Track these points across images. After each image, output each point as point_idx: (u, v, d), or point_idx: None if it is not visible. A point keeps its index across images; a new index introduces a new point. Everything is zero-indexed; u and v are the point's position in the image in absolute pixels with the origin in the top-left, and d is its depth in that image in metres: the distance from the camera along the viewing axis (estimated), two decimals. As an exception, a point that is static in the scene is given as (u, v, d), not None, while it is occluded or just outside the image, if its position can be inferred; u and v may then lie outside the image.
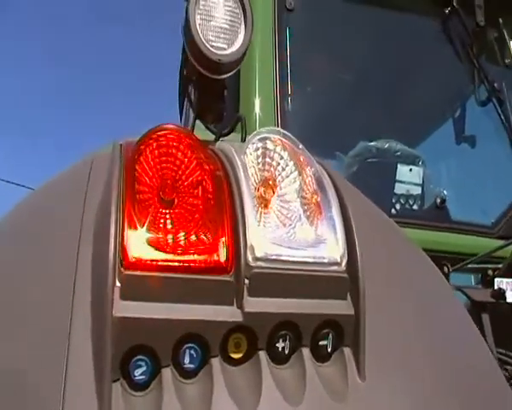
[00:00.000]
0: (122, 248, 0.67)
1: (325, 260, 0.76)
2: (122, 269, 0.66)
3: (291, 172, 0.82)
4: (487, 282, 1.76)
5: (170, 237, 0.70)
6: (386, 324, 0.80)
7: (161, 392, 0.66)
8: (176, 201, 0.72)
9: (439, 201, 2.06)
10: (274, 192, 0.80)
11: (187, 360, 0.68)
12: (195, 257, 0.69)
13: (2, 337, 0.73)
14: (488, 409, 0.83)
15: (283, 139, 0.85)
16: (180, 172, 0.75)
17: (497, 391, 0.89)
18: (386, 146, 2.14)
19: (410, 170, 2.12)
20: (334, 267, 0.76)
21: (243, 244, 0.71)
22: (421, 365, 0.79)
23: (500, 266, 1.77)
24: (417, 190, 2.11)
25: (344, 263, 0.76)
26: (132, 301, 0.65)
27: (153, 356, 0.66)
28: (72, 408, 0.63)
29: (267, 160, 0.82)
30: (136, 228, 0.69)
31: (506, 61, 2.42)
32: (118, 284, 0.66)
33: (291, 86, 1.93)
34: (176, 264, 0.68)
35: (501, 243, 1.92)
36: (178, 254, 0.69)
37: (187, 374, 0.68)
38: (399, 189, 2.04)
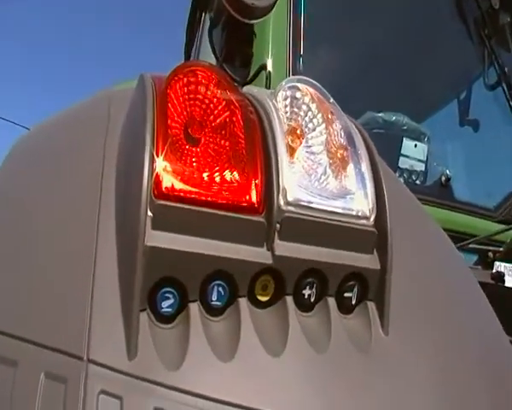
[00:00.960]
0: (154, 178, 0.65)
1: (353, 213, 0.75)
2: (154, 199, 0.64)
3: (318, 125, 0.81)
4: (487, 264, 1.76)
5: (199, 174, 0.68)
6: (411, 281, 0.80)
7: (188, 326, 0.64)
8: (203, 140, 0.71)
9: (444, 179, 2.05)
10: (301, 143, 0.79)
11: (214, 296, 0.67)
12: (227, 194, 0.68)
13: (25, 259, 0.71)
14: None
15: (313, 90, 0.83)
16: (209, 111, 0.73)
17: None
18: (393, 119, 2.11)
19: (415, 145, 2.09)
20: (363, 221, 0.75)
21: (276, 187, 0.69)
22: (443, 326, 0.79)
23: (501, 249, 1.77)
24: (421, 167, 2.08)
25: (372, 218, 0.76)
26: (164, 232, 0.64)
27: (180, 290, 0.65)
28: (99, 334, 0.62)
29: (295, 109, 0.81)
30: (166, 161, 0.67)
31: None
32: (150, 213, 0.64)
33: (304, 47, 1.90)
34: (209, 199, 0.66)
35: (502, 226, 1.92)
36: (211, 191, 0.67)
37: (213, 311, 0.67)
38: (403, 163, 2.02)
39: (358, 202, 0.76)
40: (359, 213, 0.75)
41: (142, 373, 0.60)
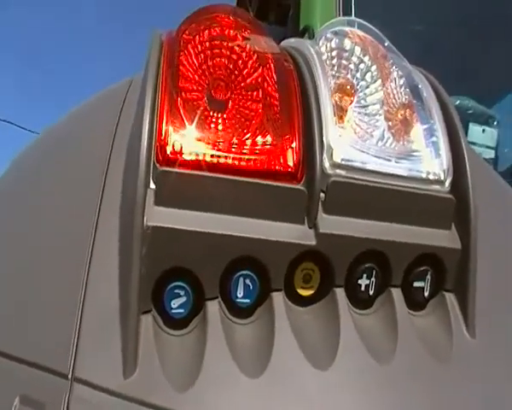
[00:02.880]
0: (158, 141, 0.50)
1: (423, 176, 0.57)
2: (157, 165, 0.49)
3: (372, 80, 0.63)
4: None
5: (220, 138, 0.52)
6: (502, 266, 0.61)
7: (204, 333, 0.49)
8: (230, 103, 0.54)
9: None
10: (351, 102, 0.61)
11: (240, 292, 0.51)
12: (256, 158, 0.52)
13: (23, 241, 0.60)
14: None
15: (364, 34, 0.65)
16: (237, 69, 0.56)
17: None
18: (457, 102, 1.90)
19: (483, 131, 1.89)
20: (436, 186, 0.58)
21: (319, 145, 0.52)
22: None
23: None
24: (490, 154, 1.87)
25: (448, 181, 0.58)
26: (171, 209, 0.49)
27: (195, 284, 0.50)
28: (89, 345, 0.47)
29: (343, 61, 0.63)
30: (178, 126, 0.51)
31: None
32: (152, 184, 0.49)
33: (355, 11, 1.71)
34: (229, 161, 0.50)
35: None
36: (232, 153, 0.51)
37: (239, 311, 0.51)
38: None
39: (428, 163, 0.58)
40: (430, 176, 0.57)
41: (141, 395, 0.45)
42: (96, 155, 0.61)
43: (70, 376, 0.46)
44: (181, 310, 0.49)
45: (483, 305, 0.57)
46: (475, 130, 1.87)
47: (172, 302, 0.49)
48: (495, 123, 1.91)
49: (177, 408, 0.45)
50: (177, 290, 0.49)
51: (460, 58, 2.06)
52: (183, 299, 0.49)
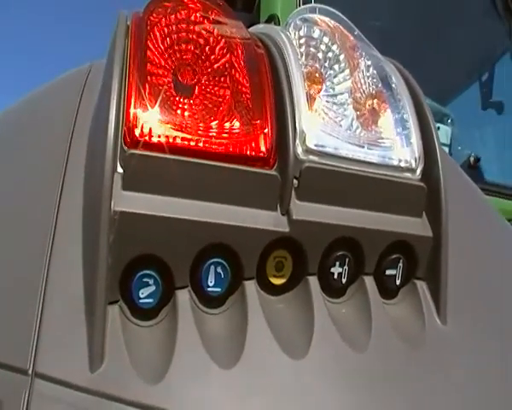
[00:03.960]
0: (126, 123, 0.48)
1: (394, 163, 0.56)
2: (126, 148, 0.46)
3: (341, 70, 0.62)
4: None
5: (191, 122, 0.50)
6: (472, 254, 0.62)
7: (175, 323, 0.47)
8: (197, 88, 0.52)
9: (472, 160, 1.87)
10: (319, 90, 0.60)
11: (211, 280, 0.49)
12: (228, 142, 0.50)
13: None
14: None
15: (333, 23, 0.65)
16: (204, 54, 0.55)
17: None
18: None
19: (438, 128, 1.92)
20: (407, 174, 0.57)
21: (291, 131, 0.51)
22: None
23: None
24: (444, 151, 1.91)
25: (420, 169, 0.57)
26: (139, 193, 0.46)
27: (164, 272, 0.48)
28: (51, 338, 0.45)
29: (311, 50, 0.62)
30: (146, 109, 0.49)
31: None
32: (119, 168, 0.46)
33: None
34: (199, 145, 0.48)
35: None
36: (201, 135, 0.49)
37: (211, 300, 0.50)
38: None
39: (399, 151, 0.58)
40: (402, 164, 0.57)
41: (109, 389, 0.43)
42: (56, 139, 0.58)
43: (30, 371, 0.43)
44: (150, 300, 0.47)
45: (454, 292, 0.57)
46: (430, 127, 1.90)
47: (141, 292, 0.47)
48: (449, 121, 1.95)
49: (147, 402, 0.43)
50: (145, 279, 0.47)
51: (415, 57, 2.09)
52: (152, 288, 0.47)
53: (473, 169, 1.90)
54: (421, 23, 2.15)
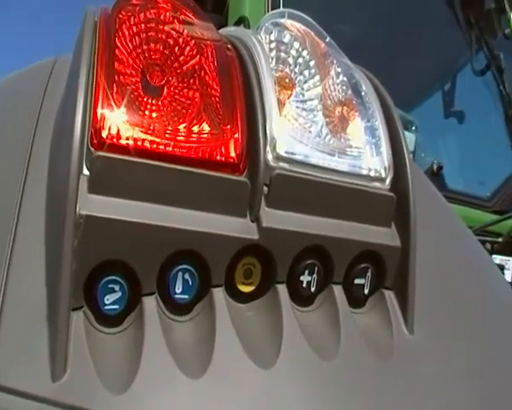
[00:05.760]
0: (93, 125, 0.46)
1: (364, 172, 0.56)
2: (92, 149, 0.45)
3: (311, 76, 0.62)
4: None
5: (159, 125, 0.49)
6: (439, 264, 0.62)
7: (141, 330, 0.46)
8: (165, 90, 0.51)
9: (435, 167, 1.90)
10: (290, 96, 0.60)
11: (179, 287, 0.48)
12: (197, 147, 0.49)
13: None
14: None
15: (304, 28, 0.65)
16: (173, 55, 0.54)
17: None
18: None
19: None
20: (377, 183, 0.57)
21: (262, 137, 0.51)
22: (479, 319, 0.61)
23: (500, 239, 1.63)
24: None
25: (389, 179, 0.57)
26: (106, 197, 0.45)
27: (131, 278, 0.46)
28: (10, 345, 0.43)
29: (282, 55, 0.62)
30: (113, 109, 0.48)
31: (506, 31, 2.31)
32: (85, 171, 0.45)
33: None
34: (168, 149, 0.48)
35: (496, 217, 1.79)
36: (169, 139, 0.48)
37: (178, 308, 0.49)
38: None
39: (369, 160, 0.58)
40: (371, 173, 0.57)
41: (72, 400, 0.41)
42: (18, 136, 0.56)
43: None
44: (115, 306, 0.46)
45: (421, 301, 0.57)
46: (394, 134, 1.93)
47: (106, 298, 0.45)
48: (413, 128, 1.98)
49: None
50: (111, 285, 0.46)
51: (381, 64, 2.12)
52: (118, 294, 0.46)
53: (436, 176, 1.93)
54: (387, 32, 2.18)
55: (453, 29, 2.27)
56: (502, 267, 1.61)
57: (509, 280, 1.60)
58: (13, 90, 0.68)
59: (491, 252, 1.65)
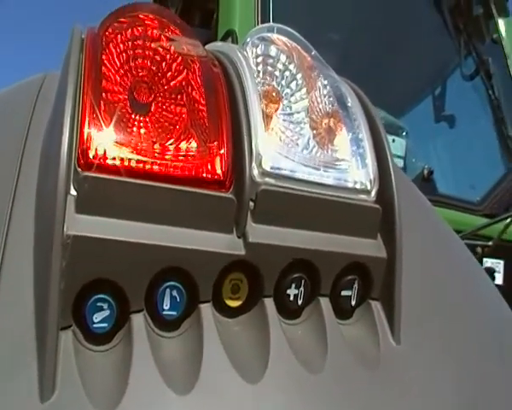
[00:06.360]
0: (80, 145, 0.47)
1: (349, 185, 0.57)
2: (79, 170, 0.46)
3: (298, 89, 0.63)
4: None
5: (146, 143, 0.50)
6: (425, 275, 0.63)
7: (130, 347, 0.46)
8: (153, 106, 0.52)
9: (426, 172, 1.92)
10: (277, 109, 0.60)
11: (167, 304, 0.48)
12: (183, 165, 0.50)
13: None
14: None
15: (291, 42, 0.65)
16: (160, 71, 0.54)
17: None
18: None
19: (393, 140, 1.97)
20: (362, 195, 0.58)
21: (248, 153, 0.51)
22: (465, 329, 0.62)
23: (490, 243, 1.65)
24: (399, 163, 1.96)
25: (374, 191, 0.58)
26: (93, 217, 0.46)
27: (119, 296, 0.47)
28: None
29: (268, 68, 0.62)
30: (101, 130, 0.48)
31: (494, 36, 2.34)
32: (73, 191, 0.46)
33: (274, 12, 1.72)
34: (154, 167, 0.48)
35: (486, 220, 1.81)
36: (160, 160, 0.49)
37: (166, 324, 0.49)
38: None
39: (355, 172, 0.58)
40: (357, 186, 0.58)
41: None
42: (6, 156, 0.57)
43: None
44: (104, 324, 0.46)
45: (407, 311, 0.57)
46: (385, 140, 1.94)
47: (95, 316, 0.46)
48: (404, 133, 2.00)
49: None
50: (99, 303, 0.46)
51: (371, 71, 2.14)
52: (107, 312, 0.46)
53: (426, 182, 1.95)
54: (376, 39, 2.20)
55: (442, 35, 2.30)
56: (493, 271, 1.63)
57: (501, 283, 1.62)
58: (1, 108, 0.68)
59: (482, 255, 1.67)
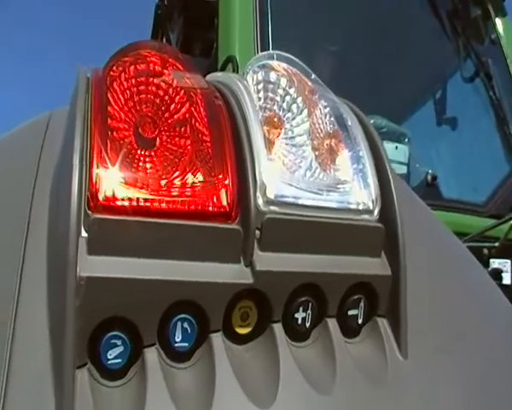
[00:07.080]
0: (89, 187, 0.48)
1: (352, 207, 0.58)
2: (89, 212, 0.47)
3: (299, 111, 0.64)
4: (482, 262, 1.64)
5: (153, 179, 0.51)
6: (430, 290, 0.64)
7: (144, 381, 0.48)
8: (158, 141, 0.53)
9: (430, 178, 1.93)
10: (279, 134, 0.61)
11: (178, 336, 0.50)
12: (190, 200, 0.51)
13: None
14: None
15: (291, 68, 0.66)
16: (163, 105, 0.56)
17: None
18: (371, 122, 1.99)
19: (396, 148, 1.98)
20: (365, 216, 0.59)
21: (252, 183, 0.53)
22: (472, 343, 0.63)
23: (496, 244, 1.66)
24: (403, 170, 1.97)
25: (377, 210, 0.59)
26: (104, 257, 0.47)
27: (132, 332, 0.48)
28: (19, 405, 0.44)
29: (269, 94, 0.63)
30: (109, 171, 0.50)
31: (492, 36, 2.34)
32: (84, 233, 0.47)
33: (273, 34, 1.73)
34: (162, 205, 0.49)
35: (492, 221, 1.82)
36: (167, 196, 0.50)
37: (179, 356, 0.51)
38: None
39: (357, 194, 0.60)
40: (360, 207, 0.59)
41: None
42: (16, 199, 0.58)
43: None
44: (118, 360, 0.48)
45: (415, 325, 0.59)
46: (388, 147, 1.97)
47: (109, 353, 0.48)
48: (406, 140, 2.00)
49: None
50: (113, 340, 0.48)
51: (373, 79, 2.14)
52: (121, 349, 0.48)
53: (430, 187, 1.96)
54: (375, 48, 2.20)
55: (441, 39, 2.30)
56: (500, 271, 1.64)
57: (509, 283, 1.62)
58: (9, 151, 0.70)
59: (489, 256, 1.68)
